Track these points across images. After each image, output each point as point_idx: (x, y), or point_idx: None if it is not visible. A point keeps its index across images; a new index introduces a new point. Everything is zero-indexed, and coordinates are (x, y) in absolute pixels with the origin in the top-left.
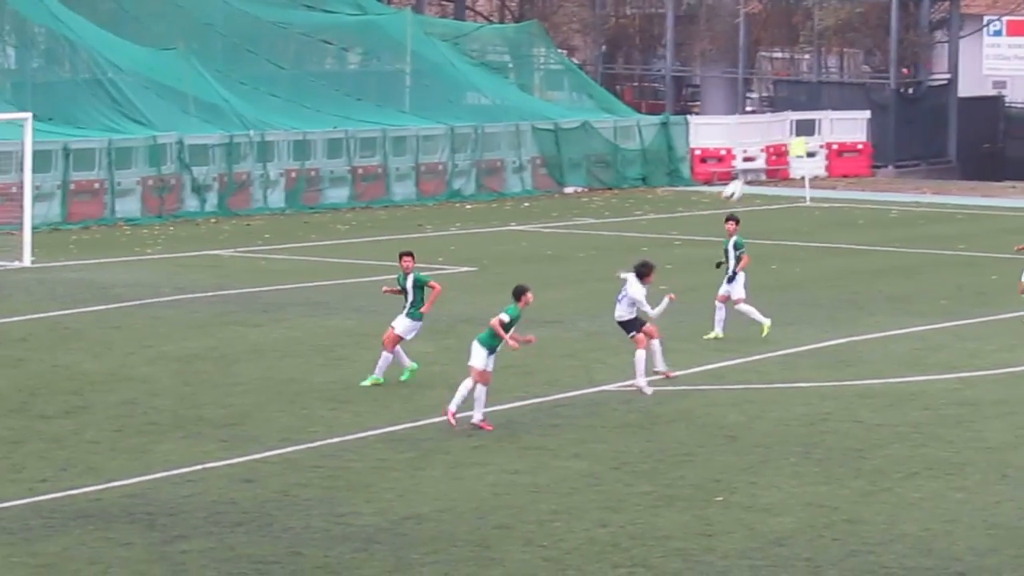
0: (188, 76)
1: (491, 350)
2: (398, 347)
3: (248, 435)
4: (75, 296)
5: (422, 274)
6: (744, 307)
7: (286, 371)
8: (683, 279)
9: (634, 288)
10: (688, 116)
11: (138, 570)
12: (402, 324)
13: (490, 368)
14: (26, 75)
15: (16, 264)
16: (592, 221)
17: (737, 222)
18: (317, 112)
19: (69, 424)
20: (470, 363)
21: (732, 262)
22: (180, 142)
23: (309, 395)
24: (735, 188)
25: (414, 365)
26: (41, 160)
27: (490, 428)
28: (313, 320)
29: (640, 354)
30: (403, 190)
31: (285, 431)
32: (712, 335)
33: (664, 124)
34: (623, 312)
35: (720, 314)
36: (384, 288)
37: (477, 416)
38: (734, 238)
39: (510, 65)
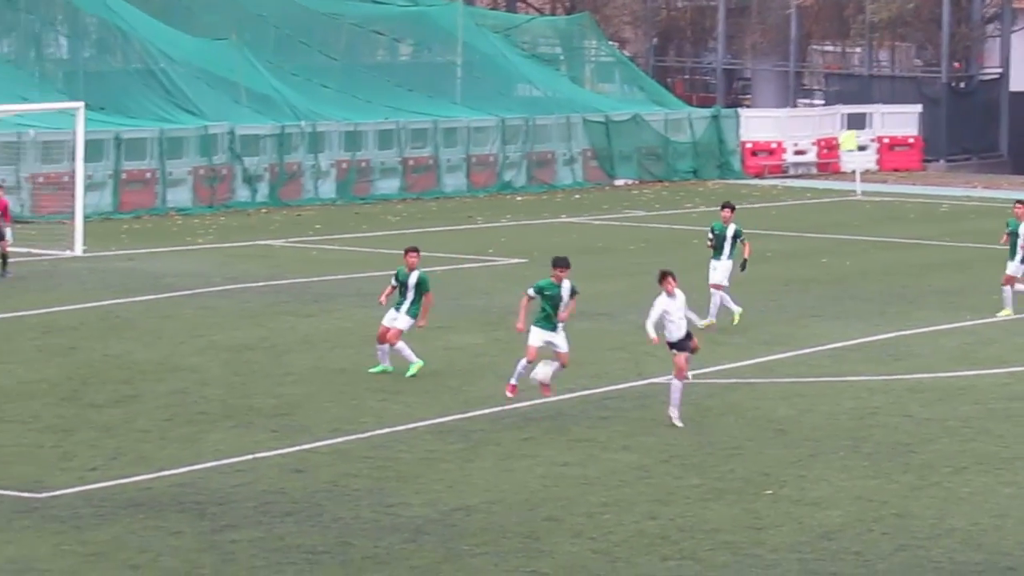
0: (240, 66)
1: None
2: (401, 343)
3: (298, 425)
4: (126, 285)
5: (426, 275)
6: (722, 294)
7: (336, 361)
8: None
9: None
10: (739, 109)
11: (188, 559)
12: (404, 321)
13: (535, 344)
14: (78, 65)
15: (68, 253)
16: (642, 214)
17: (732, 209)
18: (368, 103)
19: (119, 413)
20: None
21: (729, 249)
22: (232, 132)
23: (359, 386)
24: (541, 371)
25: (421, 362)
26: (93, 149)
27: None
28: (364, 311)
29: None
30: (454, 181)
31: (335, 421)
32: (736, 318)
33: (715, 117)
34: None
35: (722, 299)
36: (381, 298)
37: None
38: (732, 226)
39: (561, 57)
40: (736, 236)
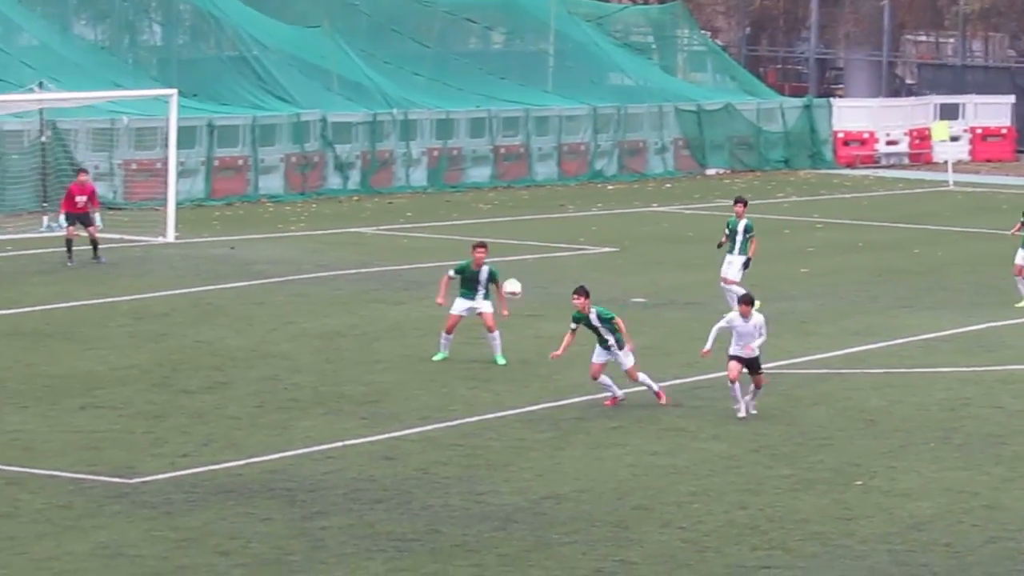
0: (332, 54)
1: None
2: (496, 331)
3: (388, 413)
4: (218, 272)
5: (495, 267)
6: (735, 288)
7: (426, 349)
8: (824, 262)
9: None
10: (831, 99)
11: (278, 545)
12: (488, 305)
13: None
14: (172, 52)
15: (160, 240)
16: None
17: (745, 204)
18: (460, 91)
19: (211, 399)
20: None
21: (740, 244)
22: (324, 120)
23: (449, 374)
24: (513, 287)
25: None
26: (186, 136)
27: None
28: (454, 299)
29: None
30: (545, 170)
31: (425, 409)
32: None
33: (807, 107)
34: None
35: (732, 295)
36: (439, 299)
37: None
38: (744, 221)
39: (653, 46)
40: (747, 231)
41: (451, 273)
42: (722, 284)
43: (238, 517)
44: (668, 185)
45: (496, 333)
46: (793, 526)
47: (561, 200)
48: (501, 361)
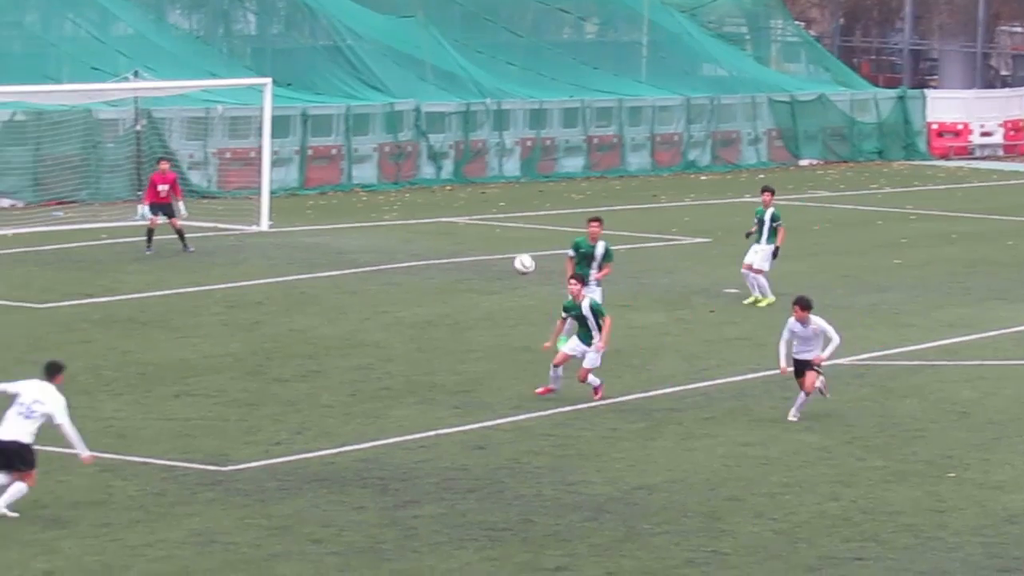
0: (426, 44)
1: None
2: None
3: (480, 402)
4: (311, 261)
5: (611, 246)
6: (762, 279)
7: (519, 339)
8: (917, 253)
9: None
10: (925, 90)
11: (370, 534)
12: (598, 295)
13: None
14: (266, 41)
15: (254, 228)
16: (827, 194)
17: (772, 192)
18: (553, 81)
19: (304, 388)
20: None
21: (767, 233)
22: (417, 109)
23: (542, 364)
24: (523, 263)
25: None
26: (280, 125)
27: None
28: (547, 289)
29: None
30: (638, 160)
31: (517, 399)
32: (751, 300)
33: (901, 98)
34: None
35: (754, 280)
36: (568, 261)
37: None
38: (771, 209)
39: (747, 37)
40: (773, 220)
41: (571, 253)
42: (743, 270)
43: (331, 505)
44: (761, 176)
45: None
46: (886, 518)
47: (654, 190)
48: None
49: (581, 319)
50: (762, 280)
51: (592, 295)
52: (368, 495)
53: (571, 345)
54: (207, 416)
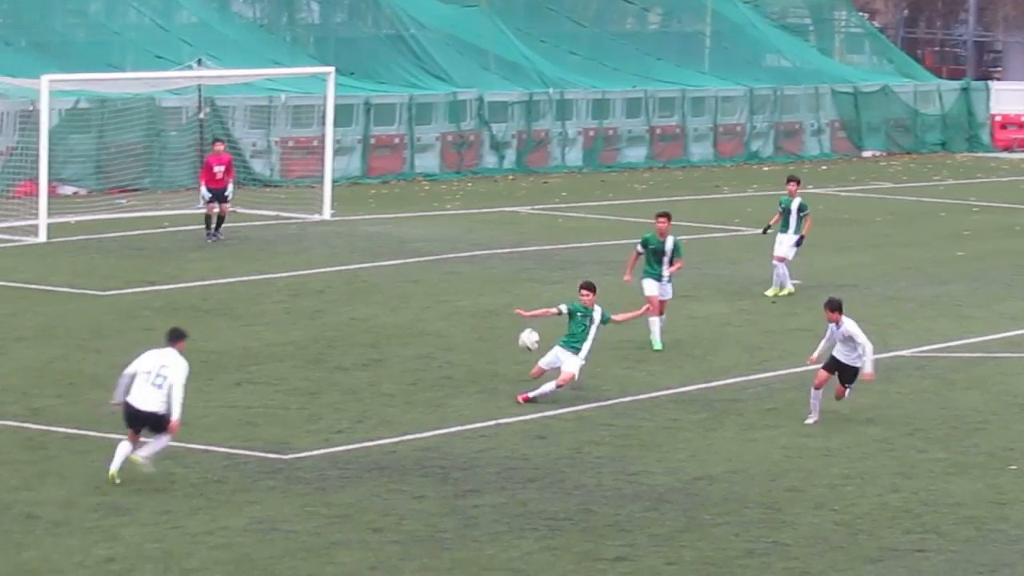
0: (489, 33)
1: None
2: (663, 316)
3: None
4: (373, 250)
5: (679, 240)
6: (782, 268)
7: None
8: (980, 245)
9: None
10: (989, 82)
11: (430, 523)
12: (668, 290)
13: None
14: (329, 30)
15: (316, 217)
16: (890, 185)
17: (798, 182)
18: (616, 71)
19: (365, 376)
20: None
21: (794, 223)
22: (480, 99)
23: (603, 353)
24: (527, 339)
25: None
26: (343, 114)
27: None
28: (608, 279)
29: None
30: (700, 151)
31: (578, 389)
32: (772, 292)
33: (965, 90)
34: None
35: (782, 269)
36: (626, 275)
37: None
38: (797, 199)
39: (810, 28)
40: (800, 210)
41: (639, 248)
42: (775, 263)
43: (391, 494)
44: (824, 167)
45: (662, 317)
46: (947, 510)
47: (716, 181)
48: (658, 346)
49: (581, 325)
50: (782, 269)
51: (664, 289)
52: (429, 484)
53: (549, 359)
54: (268, 404)
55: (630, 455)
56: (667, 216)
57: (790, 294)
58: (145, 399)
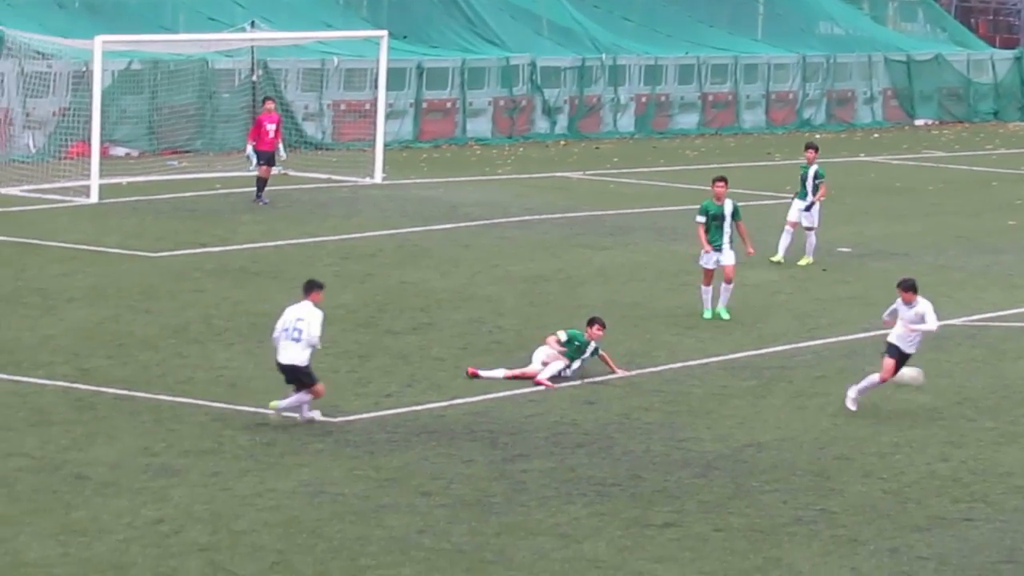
0: None
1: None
2: (732, 284)
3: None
4: (424, 214)
5: (738, 204)
6: (812, 237)
7: (631, 295)
8: None
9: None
10: None
11: (479, 487)
12: (731, 256)
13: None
14: None
15: (368, 180)
16: (942, 154)
17: (816, 150)
18: (669, 37)
19: (415, 340)
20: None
21: (811, 191)
22: (532, 64)
23: (653, 320)
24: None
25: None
26: (395, 78)
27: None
28: (659, 245)
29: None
30: (753, 118)
31: (629, 354)
32: (777, 258)
33: (1018, 59)
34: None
35: (786, 239)
36: (706, 249)
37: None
38: (814, 167)
39: None
40: (816, 177)
41: (700, 219)
42: (787, 227)
43: (440, 458)
44: (876, 135)
45: (731, 286)
46: (996, 479)
47: (768, 148)
48: (725, 316)
49: (577, 355)
50: (812, 239)
51: (725, 257)
52: (477, 448)
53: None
54: (318, 367)
55: (679, 421)
56: (724, 180)
57: (808, 264)
58: (286, 353)
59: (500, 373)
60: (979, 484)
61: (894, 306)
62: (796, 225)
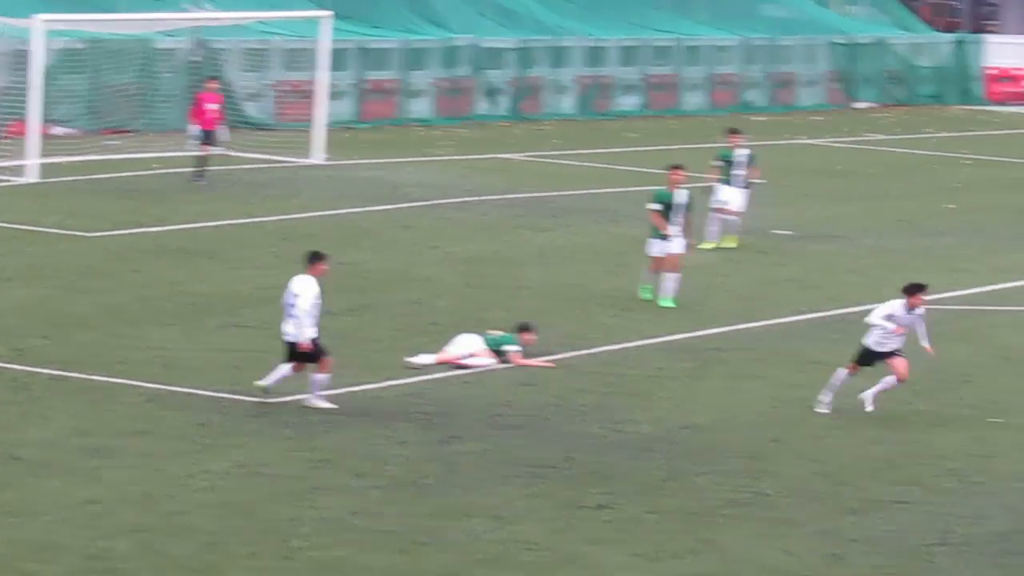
0: None
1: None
2: (679, 274)
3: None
4: (365, 195)
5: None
6: (733, 218)
7: (569, 276)
8: (971, 199)
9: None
10: (984, 35)
11: (413, 468)
12: (679, 245)
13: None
14: None
15: (308, 161)
16: (883, 137)
17: (739, 133)
18: (612, 19)
19: (352, 321)
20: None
21: (742, 172)
22: (475, 45)
23: (591, 301)
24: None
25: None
26: (337, 59)
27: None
28: (599, 227)
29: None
30: (695, 100)
31: (566, 336)
32: (710, 246)
33: (959, 43)
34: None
35: (717, 225)
36: (657, 219)
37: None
38: (747, 151)
39: None
40: (750, 161)
41: (655, 206)
42: (727, 216)
43: (375, 439)
44: (817, 118)
45: (678, 275)
46: (929, 462)
47: (710, 131)
48: (670, 304)
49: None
50: (718, 219)
51: (674, 245)
52: (412, 430)
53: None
54: (255, 348)
55: (615, 403)
56: (679, 168)
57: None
58: (285, 329)
59: (431, 359)
60: (913, 467)
61: (890, 311)
62: (730, 211)
